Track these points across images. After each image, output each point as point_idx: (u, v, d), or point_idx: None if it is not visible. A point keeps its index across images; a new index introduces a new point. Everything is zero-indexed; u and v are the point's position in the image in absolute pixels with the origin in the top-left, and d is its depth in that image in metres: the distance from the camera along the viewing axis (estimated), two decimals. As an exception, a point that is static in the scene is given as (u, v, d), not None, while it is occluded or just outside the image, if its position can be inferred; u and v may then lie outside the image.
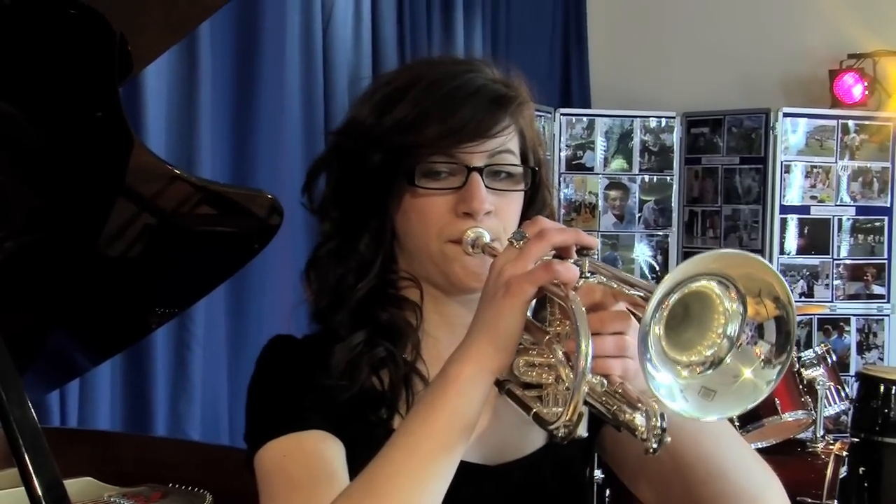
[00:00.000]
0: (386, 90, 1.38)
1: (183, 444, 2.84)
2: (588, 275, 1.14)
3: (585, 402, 1.07)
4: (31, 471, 1.32)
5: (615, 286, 1.12)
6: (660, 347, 1.02)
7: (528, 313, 1.18)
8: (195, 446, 2.71)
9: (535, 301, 1.18)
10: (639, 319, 1.04)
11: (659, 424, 1.01)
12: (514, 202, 1.36)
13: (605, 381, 1.08)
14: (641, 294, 1.08)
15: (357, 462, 1.22)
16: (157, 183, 1.97)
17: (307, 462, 1.25)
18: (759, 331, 1.05)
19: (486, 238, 1.30)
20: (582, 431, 1.10)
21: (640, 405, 1.03)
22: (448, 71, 1.37)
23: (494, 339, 1.14)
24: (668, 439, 1.01)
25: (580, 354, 1.05)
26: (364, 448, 1.22)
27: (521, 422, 1.37)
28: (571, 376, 1.08)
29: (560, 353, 1.13)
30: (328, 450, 1.27)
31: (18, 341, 1.76)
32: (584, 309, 1.08)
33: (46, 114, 1.68)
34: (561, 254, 1.17)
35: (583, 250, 1.17)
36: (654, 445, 1.01)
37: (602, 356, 1.08)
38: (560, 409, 1.11)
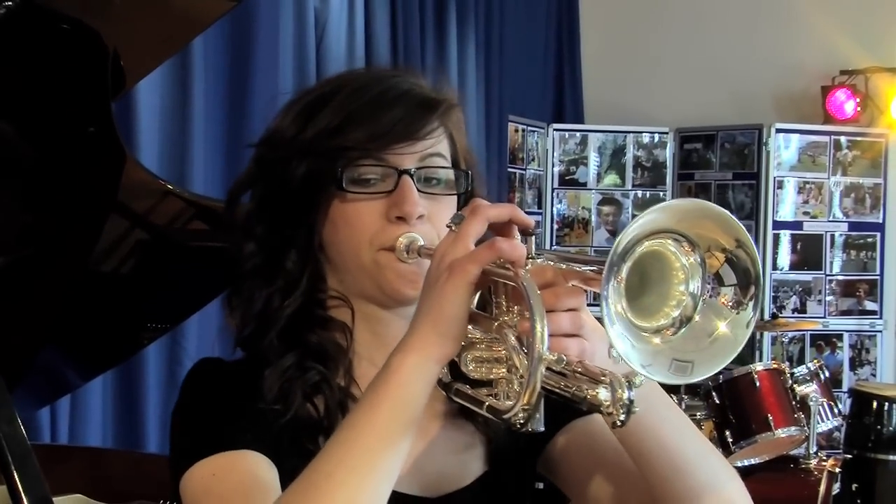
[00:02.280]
0: (308, 99, 1.33)
1: (174, 460, 2.82)
2: (535, 256, 1.09)
3: (543, 387, 1.00)
4: (20, 489, 1.31)
5: (564, 266, 1.07)
6: (628, 322, 0.97)
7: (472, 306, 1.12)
8: (187, 463, 2.69)
9: (477, 299, 1.12)
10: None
11: (626, 395, 0.95)
12: (448, 208, 1.30)
13: (563, 359, 1.01)
14: (594, 269, 1.02)
15: None
16: (149, 198, 1.96)
17: (239, 479, 1.18)
18: (717, 280, 1.01)
19: (421, 242, 1.24)
20: (539, 425, 1.04)
21: (602, 378, 0.97)
22: (373, 76, 1.34)
23: (438, 324, 1.07)
24: (637, 409, 0.95)
25: (536, 333, 0.98)
26: None
27: (460, 450, 1.33)
28: (526, 362, 1.01)
29: (512, 338, 1.06)
30: (261, 469, 1.19)
31: (9, 357, 1.76)
32: (537, 288, 1.01)
33: (38, 129, 1.68)
34: (502, 234, 1.12)
35: (525, 231, 1.12)
36: (622, 417, 0.95)
37: (558, 335, 1.02)
38: (514, 403, 1.04)
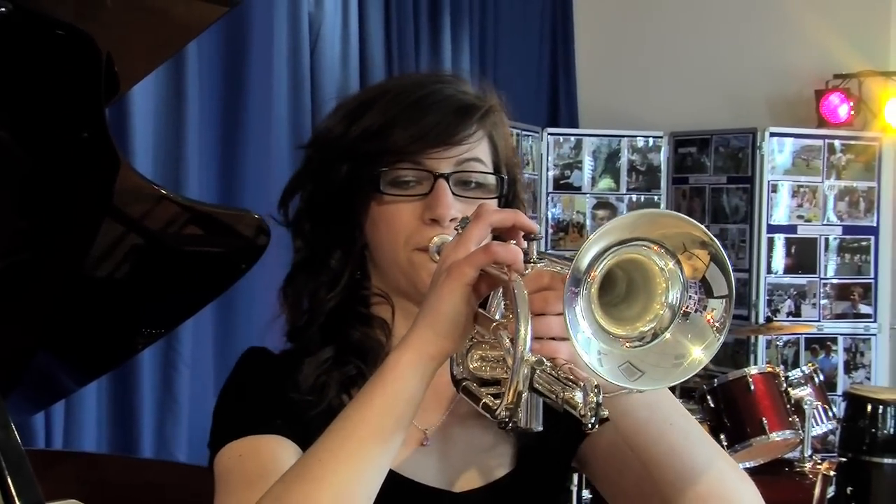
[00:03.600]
0: (354, 102, 1.38)
1: (170, 465, 2.83)
2: (536, 260, 1.12)
3: (534, 389, 1.03)
4: (14, 494, 1.31)
5: (568, 271, 1.08)
6: (594, 317, 1.00)
7: (498, 315, 1.16)
8: (182, 468, 2.70)
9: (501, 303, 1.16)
10: None
11: (595, 399, 0.97)
12: None
13: (551, 364, 1.03)
14: None
15: None
16: (144, 203, 1.97)
17: (262, 462, 1.24)
18: (706, 289, 1.02)
19: None
20: (535, 424, 1.07)
21: (580, 383, 0.99)
22: (417, 82, 1.38)
23: (434, 323, 1.12)
24: (605, 413, 0.97)
25: (518, 336, 1.02)
26: None
27: (488, 445, 1.37)
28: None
29: (506, 340, 1.09)
30: (284, 453, 1.25)
31: (3, 362, 1.76)
32: (525, 291, 1.05)
33: (32, 134, 1.68)
34: (505, 238, 1.16)
35: (528, 235, 1.15)
36: (592, 420, 0.97)
37: (546, 337, 1.06)
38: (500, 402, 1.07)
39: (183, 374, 3.50)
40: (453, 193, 1.31)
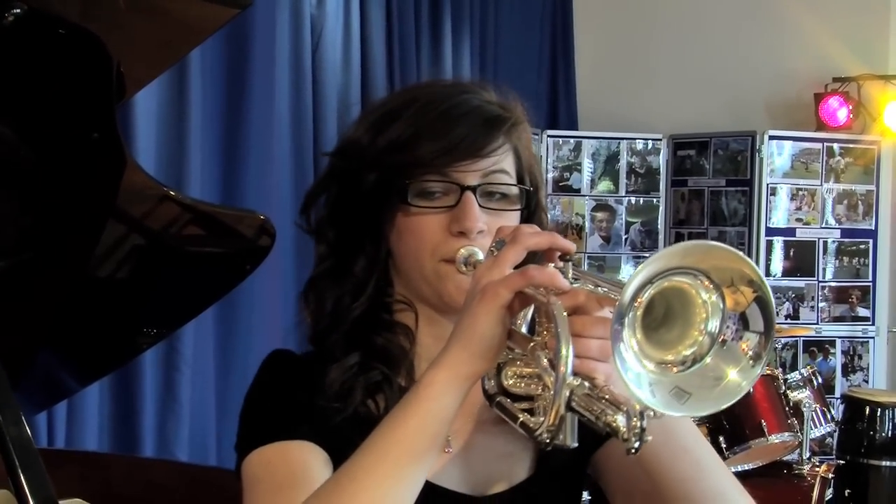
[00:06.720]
0: (381, 111, 1.38)
1: (172, 464, 2.83)
2: (572, 280, 1.13)
3: (570, 409, 1.05)
4: (27, 491, 1.32)
5: (600, 291, 1.11)
6: (638, 346, 1.01)
7: (524, 329, 1.17)
8: (184, 467, 2.70)
9: (530, 315, 1.17)
10: None
11: (639, 424, 0.99)
12: (508, 222, 1.35)
13: (589, 385, 1.05)
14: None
15: None
16: (147, 203, 1.97)
17: (291, 469, 1.25)
18: (744, 322, 1.04)
19: (479, 256, 1.28)
20: (570, 441, 1.09)
21: (623, 406, 1.01)
22: (443, 92, 1.37)
23: (469, 344, 1.13)
24: (649, 438, 0.99)
25: (560, 357, 1.03)
26: None
27: (509, 451, 1.38)
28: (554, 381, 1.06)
29: (544, 360, 1.11)
30: (314, 460, 1.26)
31: (7, 361, 1.76)
32: (565, 312, 1.07)
33: (42, 134, 1.69)
34: (542, 259, 1.18)
35: (564, 256, 1.17)
36: (636, 444, 0.99)
37: (586, 357, 1.07)
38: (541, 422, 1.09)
39: (184, 373, 3.50)
40: (479, 205, 1.32)
